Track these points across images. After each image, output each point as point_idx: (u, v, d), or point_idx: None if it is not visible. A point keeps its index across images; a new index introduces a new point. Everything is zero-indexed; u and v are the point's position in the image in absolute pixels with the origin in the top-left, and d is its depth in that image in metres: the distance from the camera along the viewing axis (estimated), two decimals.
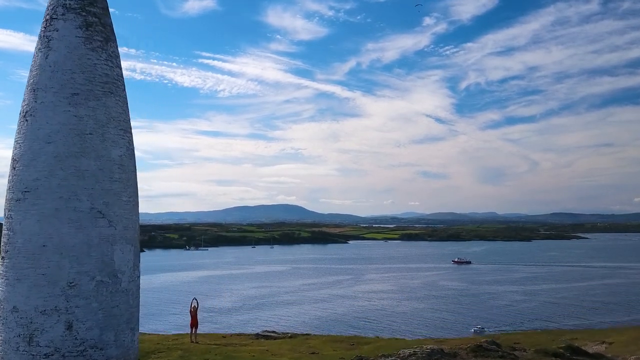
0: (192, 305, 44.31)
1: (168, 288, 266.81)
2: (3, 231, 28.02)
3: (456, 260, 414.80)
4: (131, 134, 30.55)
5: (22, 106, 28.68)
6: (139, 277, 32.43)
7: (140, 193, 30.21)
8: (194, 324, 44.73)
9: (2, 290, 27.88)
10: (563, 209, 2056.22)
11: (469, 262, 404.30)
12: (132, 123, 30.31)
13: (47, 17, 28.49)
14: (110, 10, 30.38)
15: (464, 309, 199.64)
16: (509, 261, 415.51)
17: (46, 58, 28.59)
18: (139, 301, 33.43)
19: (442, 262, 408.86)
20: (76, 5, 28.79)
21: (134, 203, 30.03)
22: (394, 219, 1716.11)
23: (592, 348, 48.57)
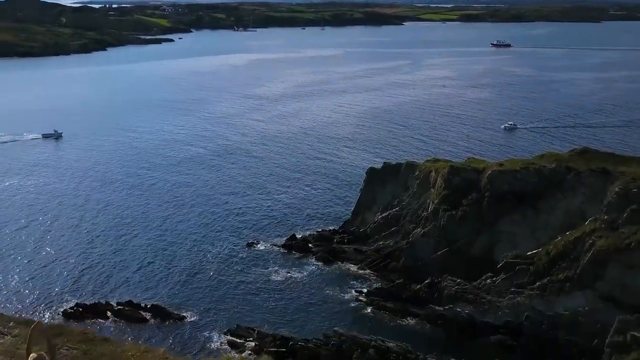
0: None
1: (216, 73, 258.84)
2: None
3: (495, 43, 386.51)
4: None
5: None
6: None
7: None
8: None
9: None
10: None
11: (508, 45, 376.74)
12: None
13: None
14: None
15: (501, 99, 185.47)
16: (571, 45, 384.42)
17: None
18: None
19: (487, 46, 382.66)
20: None
21: None
22: None
23: None
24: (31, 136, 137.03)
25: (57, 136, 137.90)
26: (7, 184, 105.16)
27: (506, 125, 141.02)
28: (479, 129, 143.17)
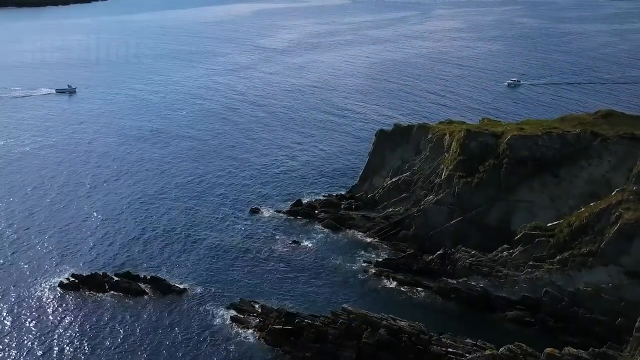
0: None
1: (221, 23, 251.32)
2: None
3: None
4: None
5: None
6: None
7: None
8: None
9: None
10: None
11: None
12: None
13: None
14: None
15: (504, 53, 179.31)
16: None
17: None
18: None
19: None
20: None
21: None
22: None
23: None
24: (45, 91, 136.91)
25: (70, 91, 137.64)
26: (20, 141, 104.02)
27: (509, 81, 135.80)
28: (489, 82, 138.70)
